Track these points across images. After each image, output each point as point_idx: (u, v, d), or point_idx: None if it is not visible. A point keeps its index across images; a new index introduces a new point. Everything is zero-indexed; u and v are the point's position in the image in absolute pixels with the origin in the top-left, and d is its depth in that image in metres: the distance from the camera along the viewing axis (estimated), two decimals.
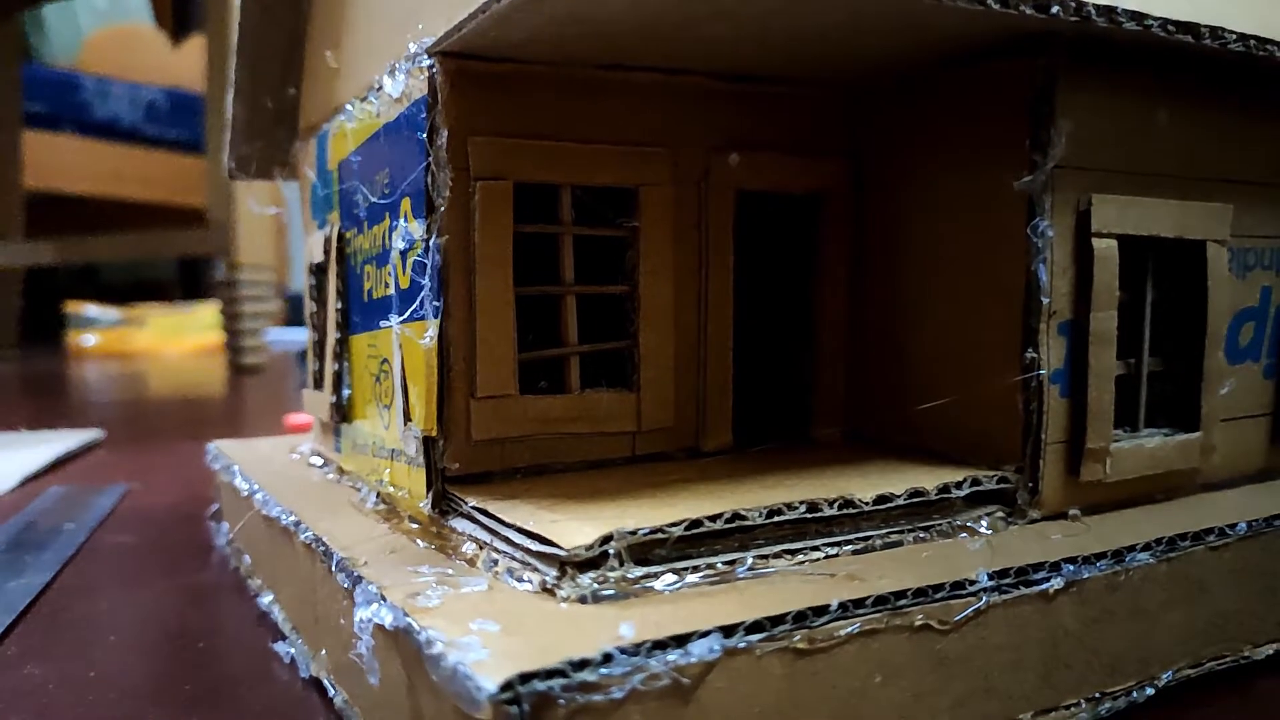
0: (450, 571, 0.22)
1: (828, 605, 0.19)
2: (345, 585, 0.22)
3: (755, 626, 0.18)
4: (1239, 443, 0.29)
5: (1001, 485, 0.25)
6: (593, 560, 0.20)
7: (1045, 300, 0.25)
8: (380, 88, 0.27)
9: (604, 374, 0.28)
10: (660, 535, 0.21)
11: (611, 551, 0.20)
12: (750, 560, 0.22)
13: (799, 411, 0.31)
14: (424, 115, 0.25)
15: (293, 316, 2.12)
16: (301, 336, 0.40)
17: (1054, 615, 0.22)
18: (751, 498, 0.23)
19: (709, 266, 0.28)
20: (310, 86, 0.37)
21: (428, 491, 0.25)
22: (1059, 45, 0.24)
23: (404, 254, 0.26)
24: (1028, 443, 0.25)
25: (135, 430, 0.83)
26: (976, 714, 0.21)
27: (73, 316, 2.02)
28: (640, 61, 0.26)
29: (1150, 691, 0.24)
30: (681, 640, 0.17)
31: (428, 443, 0.25)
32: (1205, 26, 0.23)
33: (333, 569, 0.23)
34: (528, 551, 0.21)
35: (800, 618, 0.19)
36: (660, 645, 0.17)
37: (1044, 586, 0.22)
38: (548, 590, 0.20)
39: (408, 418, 0.26)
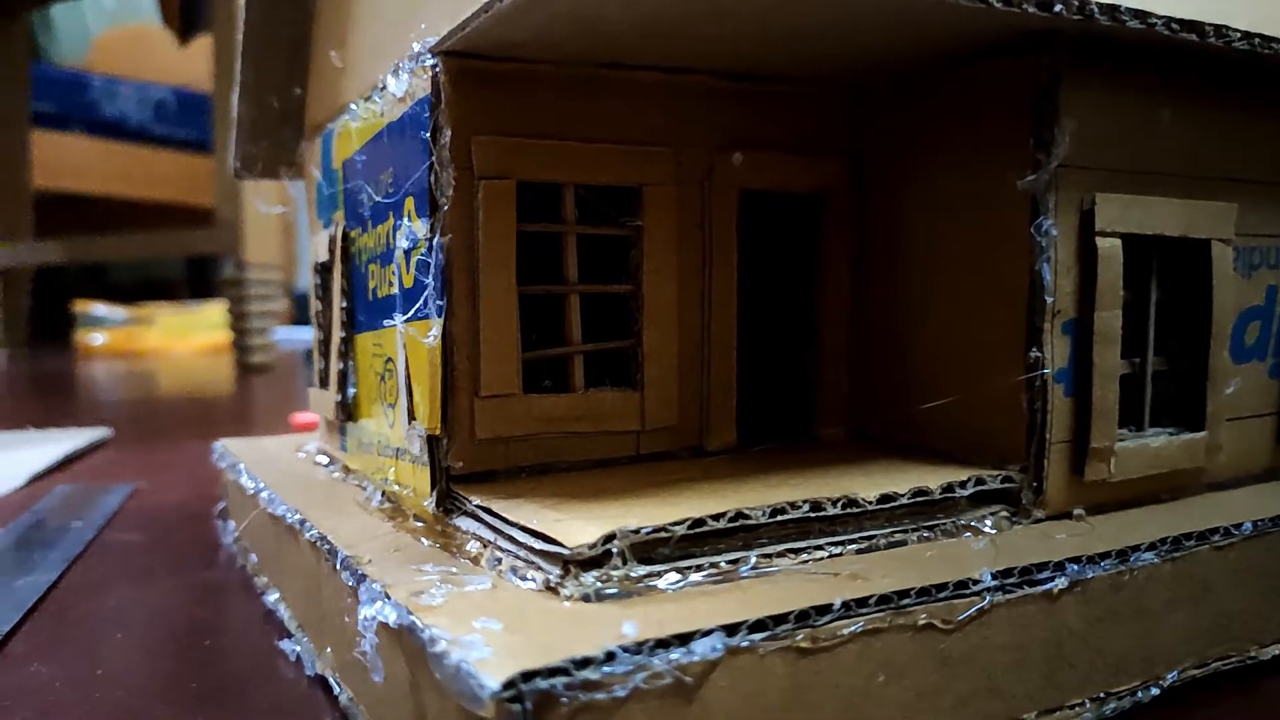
0: (454, 570, 0.22)
1: (831, 604, 0.19)
2: (349, 583, 0.22)
3: (758, 625, 0.18)
4: (1244, 442, 0.29)
5: (1006, 485, 0.25)
6: (596, 559, 0.20)
7: (1049, 299, 0.25)
8: (384, 87, 0.27)
9: (608, 373, 0.28)
10: (663, 534, 0.21)
11: (615, 550, 0.20)
12: (754, 559, 0.22)
13: (803, 410, 0.31)
14: (427, 114, 0.25)
15: (300, 315, 2.13)
16: (308, 335, 0.40)
17: (1058, 615, 0.22)
18: (755, 497, 0.23)
19: (712, 265, 0.28)
20: (316, 86, 0.37)
21: (432, 490, 0.26)
22: (1062, 44, 0.24)
23: (408, 253, 0.26)
24: (1032, 442, 0.25)
25: (143, 429, 0.83)
26: (980, 713, 0.21)
27: (81, 315, 2.03)
28: (642, 60, 0.26)
29: (1155, 692, 0.24)
30: (684, 639, 0.17)
31: (432, 441, 0.26)
32: (1209, 25, 0.23)
33: (337, 567, 0.23)
34: (531, 550, 0.21)
35: (803, 617, 0.19)
36: (663, 644, 0.17)
37: (1048, 586, 0.22)
38: (551, 589, 0.20)
39: (412, 416, 0.26)
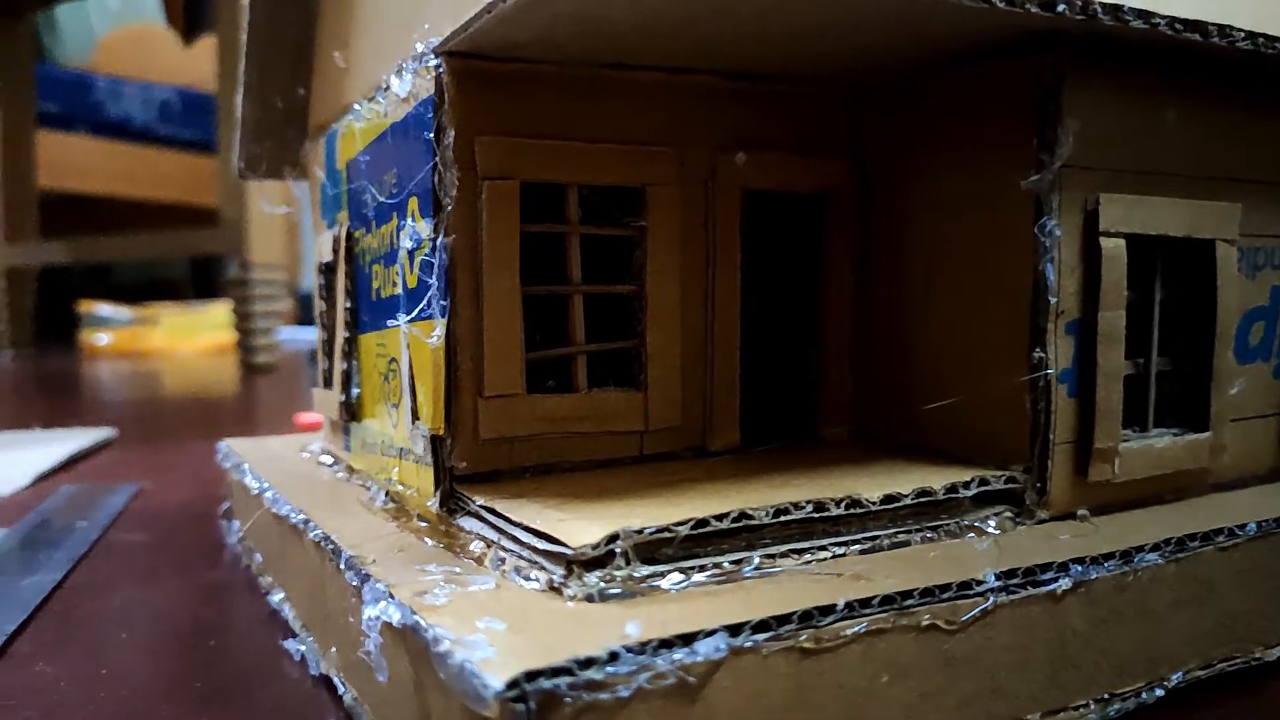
0: (458, 570, 0.22)
1: (834, 605, 0.19)
2: (353, 583, 0.22)
3: (761, 626, 0.18)
4: (1249, 443, 0.29)
5: (1009, 485, 0.25)
6: (599, 559, 0.20)
7: (1053, 299, 0.25)
8: (388, 88, 0.28)
9: (611, 373, 0.28)
10: (667, 534, 0.21)
11: (618, 550, 0.20)
12: (757, 560, 0.22)
13: (806, 410, 0.31)
14: (431, 115, 0.25)
15: (304, 315, 2.13)
16: (313, 335, 0.40)
17: (1062, 616, 0.22)
18: (758, 497, 0.23)
19: (716, 266, 0.28)
20: (319, 86, 0.37)
21: (435, 490, 0.26)
22: (1065, 43, 0.24)
23: (411, 253, 0.26)
24: (1035, 443, 0.25)
25: (147, 429, 0.83)
26: (984, 714, 0.21)
27: (86, 316, 2.03)
28: (645, 61, 0.26)
29: (1160, 693, 0.23)
30: (687, 639, 0.18)
31: (435, 441, 0.26)
32: (1213, 25, 0.23)
33: (341, 567, 0.23)
34: (535, 550, 0.21)
35: (806, 617, 0.19)
36: (666, 644, 0.17)
37: (1052, 587, 0.22)
38: (555, 589, 0.20)
39: (416, 416, 0.26)
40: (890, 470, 0.26)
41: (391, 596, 0.20)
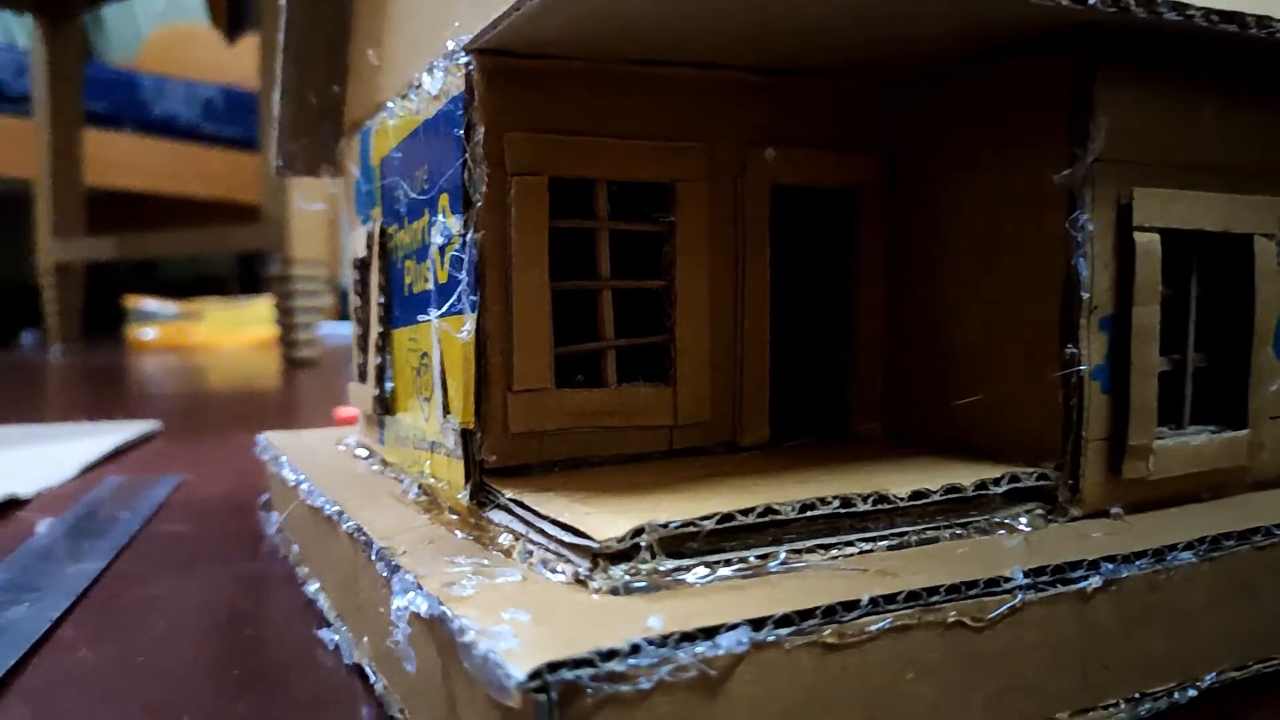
0: (486, 562, 0.22)
1: (858, 600, 0.19)
2: (384, 574, 0.23)
3: (784, 620, 0.18)
4: None
5: (1041, 482, 0.25)
6: (625, 552, 0.20)
7: (1086, 295, 0.24)
8: (420, 85, 0.28)
9: (641, 368, 0.28)
10: (692, 529, 0.21)
11: (643, 544, 0.20)
12: (783, 555, 0.22)
13: (837, 406, 0.31)
14: (461, 112, 0.25)
15: (345, 310, 2.15)
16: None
17: (1092, 614, 0.22)
18: (786, 492, 0.23)
19: (745, 261, 0.28)
20: (354, 84, 0.38)
21: (466, 483, 0.26)
22: (1098, 36, 0.23)
23: (442, 249, 0.27)
24: (1068, 439, 0.25)
25: (191, 422, 0.85)
26: (1012, 712, 0.21)
27: (132, 311, 2.07)
28: (673, 56, 0.26)
29: (1192, 693, 0.23)
30: (710, 632, 0.18)
31: (466, 435, 0.26)
32: (1250, 16, 0.23)
33: (373, 558, 0.24)
34: (561, 543, 0.22)
35: (830, 612, 0.19)
36: (688, 637, 0.17)
37: (1081, 585, 0.21)
38: (580, 581, 0.20)
39: (447, 410, 0.27)
40: (920, 467, 0.26)
41: (420, 587, 0.20)
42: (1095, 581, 0.22)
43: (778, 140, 0.28)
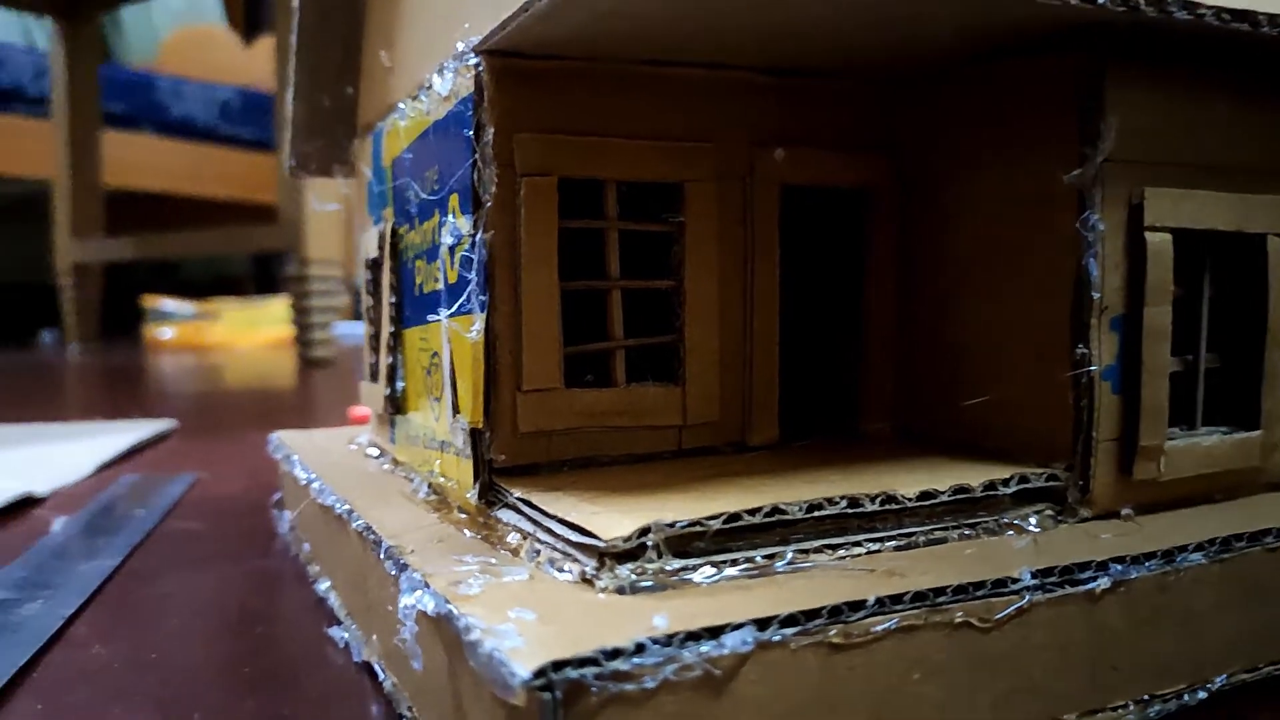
0: (494, 561, 0.22)
1: (864, 600, 0.19)
2: (392, 572, 0.23)
3: (789, 620, 0.18)
4: None
5: (1051, 483, 0.25)
6: (631, 552, 0.20)
7: (1096, 295, 0.24)
8: (430, 86, 0.28)
9: (650, 368, 0.28)
10: (698, 528, 0.21)
11: (650, 544, 0.20)
12: (790, 555, 0.22)
13: (847, 406, 0.31)
14: (471, 113, 0.25)
15: (359, 310, 2.16)
16: None
17: (1100, 615, 0.22)
18: (794, 492, 0.23)
19: (754, 261, 0.28)
20: (366, 85, 0.38)
21: (475, 482, 0.26)
22: (1108, 35, 0.23)
23: (452, 249, 0.27)
24: (1078, 440, 0.25)
25: (207, 421, 0.85)
26: (1019, 713, 0.21)
27: (150, 310, 2.09)
28: (682, 57, 0.26)
29: (1203, 695, 0.23)
30: (715, 632, 0.18)
31: (475, 435, 0.26)
32: (1263, 14, 0.23)
33: (381, 556, 0.24)
34: (568, 542, 0.22)
35: (835, 612, 0.19)
36: (693, 636, 0.17)
37: (1090, 586, 0.21)
38: (587, 581, 0.20)
39: (456, 410, 0.27)
40: (930, 467, 0.26)
41: (427, 586, 0.20)
42: (1104, 582, 0.21)
43: (787, 140, 0.28)
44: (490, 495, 0.26)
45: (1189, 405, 0.27)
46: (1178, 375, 0.26)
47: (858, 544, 0.23)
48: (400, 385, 0.33)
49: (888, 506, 0.23)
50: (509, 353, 0.26)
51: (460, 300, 0.26)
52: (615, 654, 0.17)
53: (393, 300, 0.33)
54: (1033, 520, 0.24)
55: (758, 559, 0.21)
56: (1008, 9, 0.22)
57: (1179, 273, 0.25)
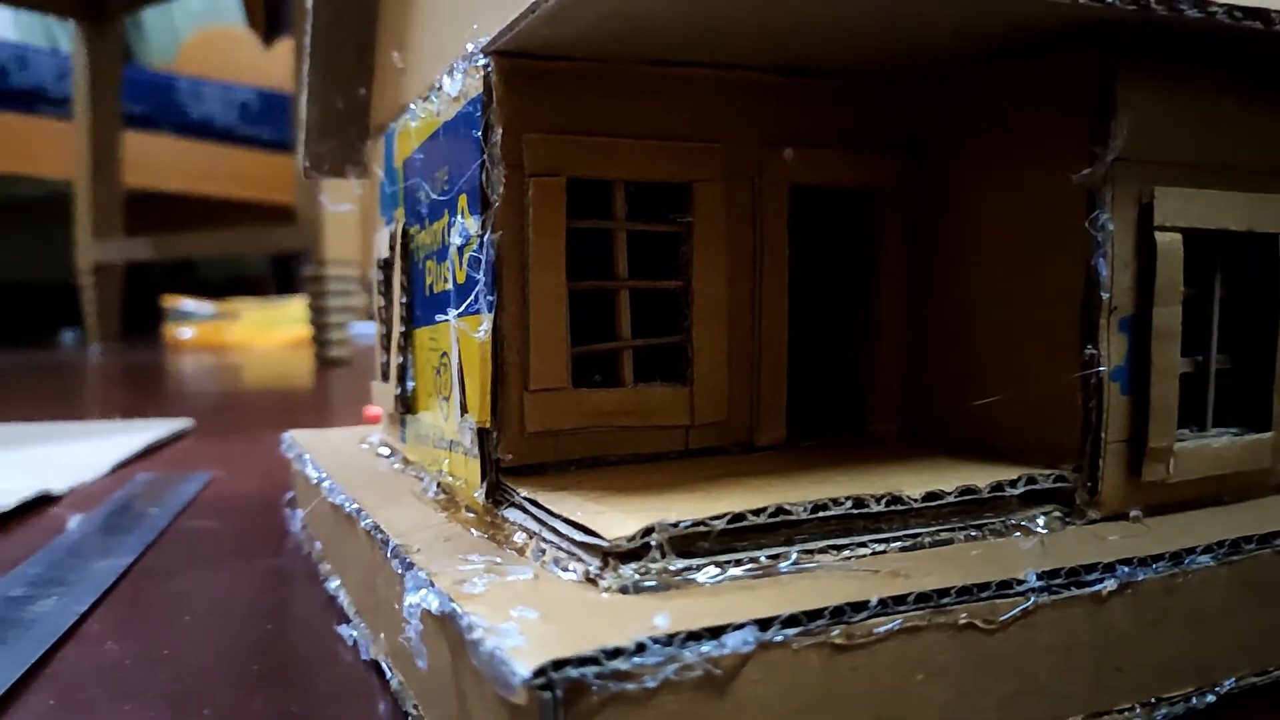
0: (499, 560, 0.22)
1: (867, 601, 0.19)
2: (398, 571, 0.23)
3: (791, 620, 0.18)
4: None
5: (1059, 484, 0.25)
6: (635, 551, 0.20)
7: (1105, 295, 0.24)
8: (440, 87, 0.28)
9: (657, 368, 0.28)
10: (702, 528, 0.21)
11: (654, 543, 0.20)
12: (795, 555, 0.22)
13: (856, 406, 0.31)
14: (479, 113, 0.25)
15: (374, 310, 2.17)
16: None
17: (1107, 617, 0.21)
18: (800, 492, 0.23)
19: (763, 261, 0.28)
20: (379, 86, 0.38)
21: (482, 482, 0.26)
22: (1118, 34, 0.23)
23: (461, 249, 0.27)
24: (1087, 441, 0.25)
25: (223, 420, 0.86)
26: (1023, 715, 0.21)
27: (170, 310, 2.10)
28: (691, 57, 0.26)
29: (1211, 698, 0.23)
30: (716, 632, 0.18)
31: (482, 434, 0.26)
32: (1276, 11, 0.23)
33: (388, 555, 0.24)
34: (573, 542, 0.22)
35: (838, 613, 0.19)
36: (694, 636, 0.17)
37: (1096, 588, 0.21)
38: (591, 580, 0.21)
39: (464, 409, 0.27)
40: (937, 468, 0.26)
41: (432, 584, 0.21)
42: (1110, 584, 0.21)
43: (796, 140, 0.28)
44: (497, 494, 0.26)
45: (1199, 406, 0.26)
46: (1188, 376, 0.26)
47: (863, 545, 0.23)
48: (410, 385, 0.34)
49: (893, 507, 0.23)
50: (516, 352, 0.26)
51: (468, 300, 0.26)
52: (616, 653, 0.17)
53: (404, 300, 0.34)
54: (1040, 522, 0.24)
55: (762, 559, 0.21)
56: (1015, 7, 0.22)
57: (1190, 273, 0.25)
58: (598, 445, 0.27)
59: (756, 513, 0.21)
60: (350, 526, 0.29)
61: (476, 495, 0.26)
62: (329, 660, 0.28)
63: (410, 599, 0.21)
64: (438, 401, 0.30)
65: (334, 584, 0.33)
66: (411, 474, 0.33)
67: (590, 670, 0.16)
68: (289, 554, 0.39)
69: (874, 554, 0.22)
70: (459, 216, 0.27)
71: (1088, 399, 0.25)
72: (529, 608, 0.19)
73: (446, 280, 0.29)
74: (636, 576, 0.20)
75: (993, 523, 0.24)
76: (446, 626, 0.20)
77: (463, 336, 0.27)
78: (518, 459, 0.26)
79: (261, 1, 2.49)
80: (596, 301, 0.27)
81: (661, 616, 0.18)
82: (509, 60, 0.25)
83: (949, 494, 0.23)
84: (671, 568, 0.21)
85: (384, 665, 0.26)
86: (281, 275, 2.61)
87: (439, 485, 0.30)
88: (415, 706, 0.23)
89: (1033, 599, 0.21)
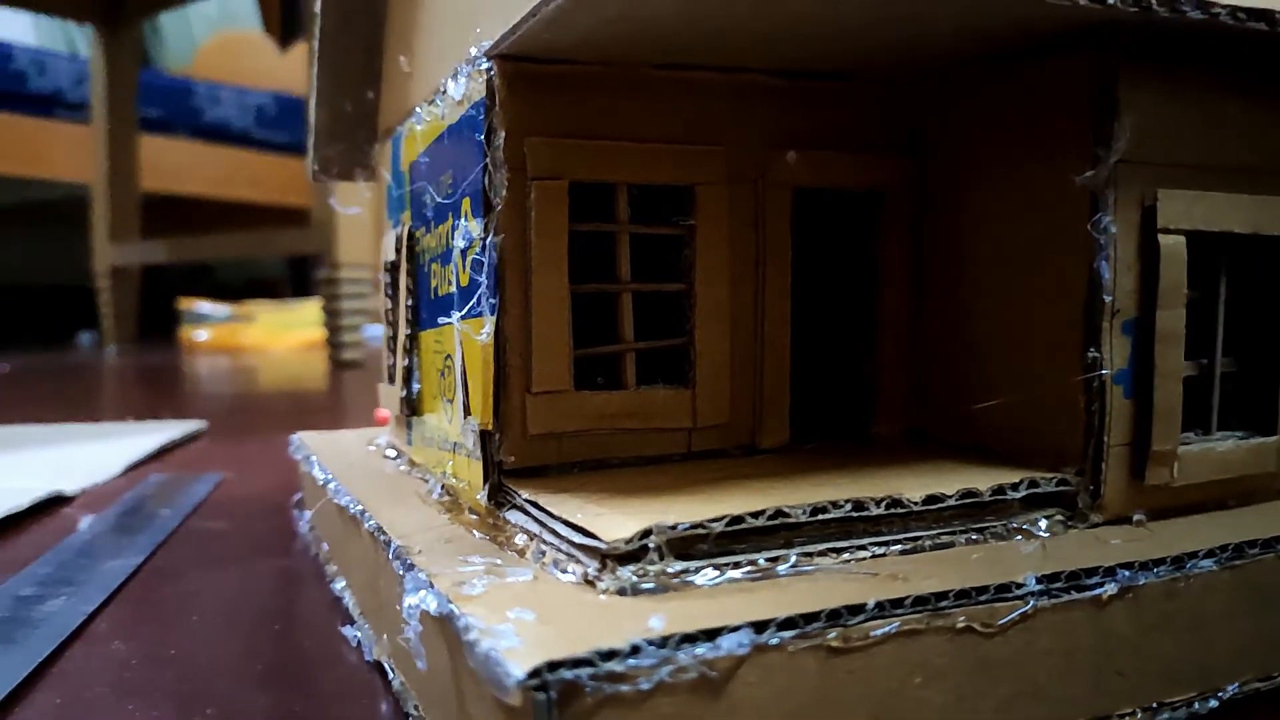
0: (499, 562, 0.23)
1: (863, 604, 0.19)
2: (399, 572, 0.23)
3: (788, 623, 0.18)
4: None
5: (1061, 488, 0.25)
6: (633, 554, 0.20)
7: (1108, 298, 0.24)
8: (444, 91, 0.28)
9: (660, 371, 0.28)
10: (700, 531, 0.21)
11: (652, 545, 0.20)
12: (794, 558, 0.22)
13: (859, 409, 0.31)
14: (482, 117, 0.25)
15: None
16: None
17: (1107, 621, 0.21)
18: (801, 495, 0.23)
19: (766, 264, 0.28)
20: (386, 90, 0.39)
21: (484, 484, 0.26)
22: (1120, 35, 0.23)
23: (464, 252, 0.27)
24: (1089, 444, 0.25)
25: (236, 422, 0.87)
26: (1023, 718, 0.21)
27: (186, 313, 2.11)
28: (693, 60, 0.26)
29: (1213, 704, 0.23)
30: (711, 634, 0.18)
31: (485, 436, 0.26)
32: (1279, 12, 0.23)
33: (390, 556, 0.24)
34: (572, 544, 0.22)
35: (834, 616, 0.19)
36: (690, 638, 0.17)
37: (1096, 592, 0.21)
38: (589, 582, 0.21)
39: (467, 412, 0.27)
40: (939, 471, 0.26)
41: (431, 586, 0.21)
42: (1110, 588, 0.21)
43: (798, 142, 0.28)
44: (500, 496, 0.26)
45: (1204, 410, 0.26)
46: (1193, 379, 0.26)
47: (862, 548, 0.23)
48: (416, 387, 0.34)
49: (893, 510, 0.23)
50: (519, 355, 0.26)
51: (471, 303, 0.26)
52: (611, 655, 0.17)
53: (409, 303, 0.34)
54: (1042, 525, 0.24)
55: (760, 561, 0.21)
56: (1016, 7, 0.22)
57: (1194, 275, 0.25)
58: (600, 448, 0.27)
59: (755, 515, 0.21)
60: (355, 528, 0.29)
61: (479, 497, 0.26)
62: (333, 661, 0.28)
63: (410, 600, 0.21)
64: (442, 404, 0.30)
65: (339, 585, 0.33)
66: (417, 476, 0.33)
67: (585, 672, 0.17)
68: (296, 555, 0.39)
69: (874, 557, 0.22)
70: (462, 219, 0.27)
71: (1090, 402, 0.25)
72: (526, 609, 0.19)
73: (450, 283, 0.29)
74: (634, 578, 0.20)
75: (994, 526, 0.24)
76: (445, 628, 0.20)
77: (466, 339, 0.27)
78: (520, 461, 0.26)
79: (277, 5, 2.50)
80: (599, 304, 0.27)
81: (657, 618, 0.18)
82: (511, 64, 0.25)
83: (950, 497, 0.23)
84: (669, 570, 0.21)
85: (386, 666, 0.26)
86: (297, 278, 2.63)
87: (443, 487, 0.30)
88: (416, 707, 0.23)
89: (1032, 603, 0.21)
